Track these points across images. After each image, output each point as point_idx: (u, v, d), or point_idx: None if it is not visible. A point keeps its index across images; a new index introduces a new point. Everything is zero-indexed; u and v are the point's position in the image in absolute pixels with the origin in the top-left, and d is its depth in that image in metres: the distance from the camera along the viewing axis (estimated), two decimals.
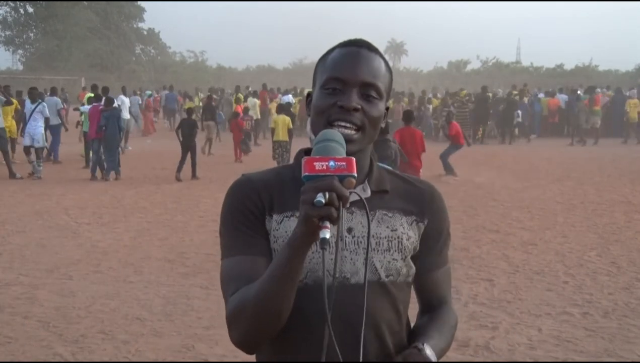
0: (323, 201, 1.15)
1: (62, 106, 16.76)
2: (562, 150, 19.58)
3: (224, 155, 17.40)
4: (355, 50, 1.44)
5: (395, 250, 1.44)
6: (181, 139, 13.41)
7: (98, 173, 13.32)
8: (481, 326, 4.95)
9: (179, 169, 13.19)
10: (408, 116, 10.09)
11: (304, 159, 1.22)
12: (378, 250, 1.42)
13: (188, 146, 13.29)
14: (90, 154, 14.44)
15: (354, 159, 1.22)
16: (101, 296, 5.77)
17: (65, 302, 5.61)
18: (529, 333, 4.85)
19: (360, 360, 1.35)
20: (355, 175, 1.21)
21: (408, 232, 1.47)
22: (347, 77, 1.40)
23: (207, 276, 6.35)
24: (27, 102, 14.17)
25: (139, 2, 59.02)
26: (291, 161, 1.57)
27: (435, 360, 1.36)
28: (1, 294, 5.85)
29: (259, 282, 1.31)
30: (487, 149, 19.88)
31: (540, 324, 5.04)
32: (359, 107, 1.39)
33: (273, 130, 14.47)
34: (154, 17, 73.47)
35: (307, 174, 1.20)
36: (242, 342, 1.37)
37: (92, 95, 15.55)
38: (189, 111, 14.77)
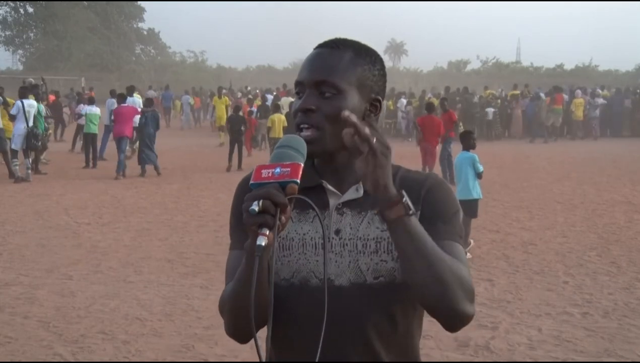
0: (256, 209, 1.17)
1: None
2: (562, 150, 19.58)
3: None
4: (314, 52, 1.47)
5: (384, 251, 1.41)
6: (230, 134, 14.66)
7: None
8: (481, 326, 4.95)
9: (230, 160, 14.40)
10: (429, 107, 13.23)
11: (255, 167, 1.26)
12: (365, 253, 1.41)
13: (236, 140, 14.46)
14: (94, 151, 14.55)
15: (300, 165, 1.23)
16: (101, 296, 5.77)
17: (65, 302, 5.61)
18: (529, 333, 4.85)
19: (316, 360, 1.29)
20: (298, 181, 1.21)
21: None
22: (302, 80, 1.44)
23: (207, 276, 6.35)
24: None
25: (139, 2, 59.03)
26: None
27: (412, 212, 1.29)
28: (1, 294, 5.85)
29: (232, 281, 1.39)
30: (486, 149, 19.87)
31: (540, 324, 5.04)
32: (312, 107, 1.40)
33: (269, 129, 15.13)
34: (154, 17, 73.55)
35: (252, 182, 1.23)
36: (229, 333, 1.46)
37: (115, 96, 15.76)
38: (236, 108, 15.95)
